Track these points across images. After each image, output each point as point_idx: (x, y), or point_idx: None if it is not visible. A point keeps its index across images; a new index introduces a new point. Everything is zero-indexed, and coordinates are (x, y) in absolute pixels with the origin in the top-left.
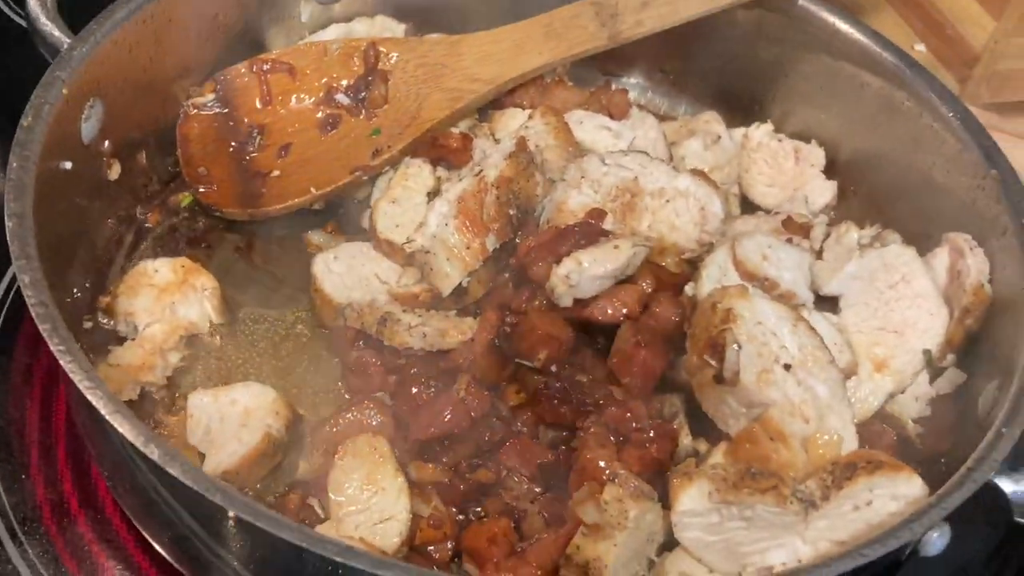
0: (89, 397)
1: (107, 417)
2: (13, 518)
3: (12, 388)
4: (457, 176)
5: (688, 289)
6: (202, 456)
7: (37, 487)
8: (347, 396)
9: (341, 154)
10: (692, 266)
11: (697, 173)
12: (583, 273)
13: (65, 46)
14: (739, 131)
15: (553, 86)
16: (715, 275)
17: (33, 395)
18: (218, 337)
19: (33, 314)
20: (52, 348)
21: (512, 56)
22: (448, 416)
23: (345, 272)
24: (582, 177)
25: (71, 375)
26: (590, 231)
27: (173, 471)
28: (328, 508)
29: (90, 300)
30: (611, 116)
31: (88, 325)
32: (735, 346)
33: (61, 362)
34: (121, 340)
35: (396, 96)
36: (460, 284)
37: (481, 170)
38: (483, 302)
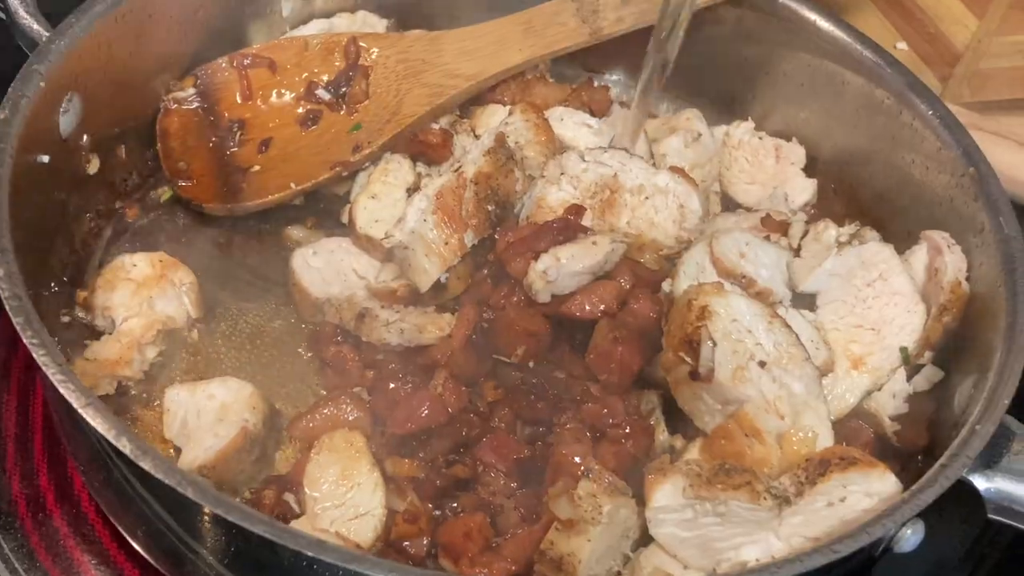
0: (61, 390)
1: (79, 410)
2: None
3: None
4: (437, 172)
5: (665, 286)
6: (179, 451)
7: (13, 481)
8: (324, 391)
9: (321, 149)
10: (670, 263)
11: (676, 170)
12: (561, 269)
13: (44, 39)
14: (720, 129)
15: (534, 82)
16: (692, 272)
17: (10, 389)
18: (196, 332)
19: (7, 307)
20: (25, 341)
21: (493, 52)
22: (425, 411)
23: (324, 267)
24: (561, 173)
25: (44, 368)
26: (568, 227)
27: (145, 465)
28: (304, 503)
29: (68, 294)
30: (592, 113)
31: (66, 319)
32: (710, 343)
33: (34, 355)
34: (99, 335)
35: (377, 92)
36: (439, 280)
37: (460, 166)
38: (462, 298)
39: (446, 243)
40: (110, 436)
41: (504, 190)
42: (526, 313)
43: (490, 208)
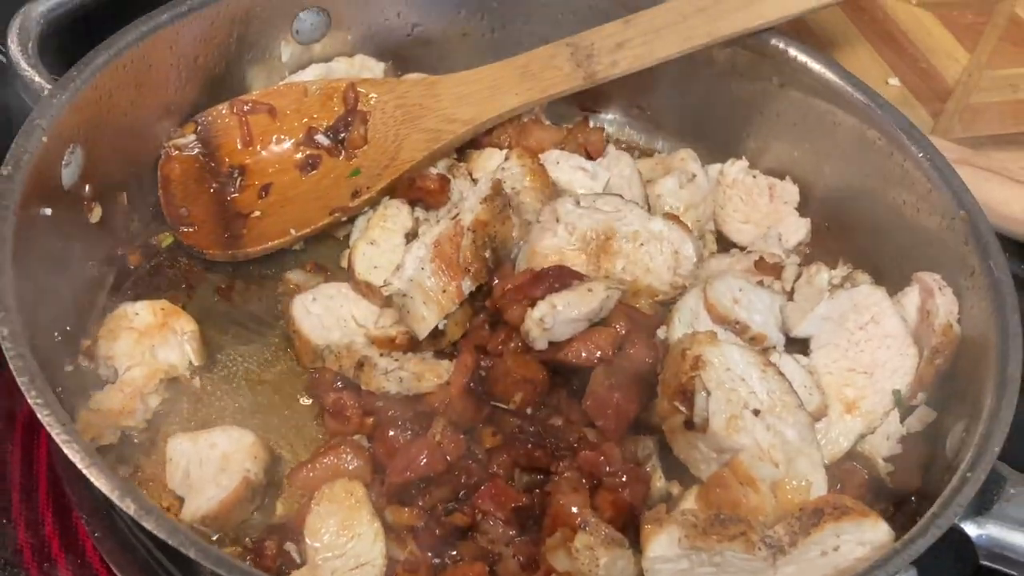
0: (66, 450)
1: (83, 470)
2: None
3: None
4: (434, 218)
5: (660, 333)
6: (181, 499)
7: (18, 529)
8: (323, 437)
9: (321, 194)
10: (666, 308)
11: (671, 217)
12: (557, 316)
13: (45, 92)
14: (715, 167)
15: (530, 125)
16: (687, 319)
17: (15, 438)
18: (197, 379)
19: (12, 367)
20: (30, 401)
21: (489, 97)
22: (424, 460)
23: (323, 313)
24: (556, 219)
25: (48, 428)
26: (564, 274)
27: (149, 525)
28: (305, 553)
29: (72, 342)
30: (588, 154)
31: (69, 368)
32: (704, 393)
33: (39, 415)
34: (102, 383)
35: (375, 137)
36: (437, 327)
37: (458, 213)
38: (460, 344)
39: (444, 291)
40: (114, 497)
41: (501, 237)
42: (523, 360)
43: (487, 255)
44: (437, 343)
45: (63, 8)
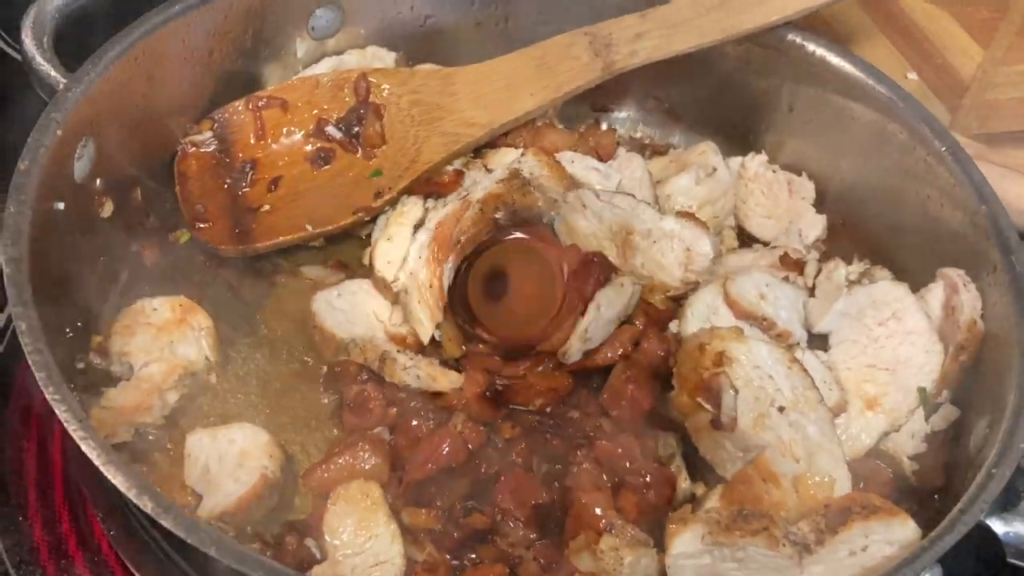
0: (83, 447)
1: (101, 468)
2: (8, 561)
3: (9, 428)
4: (443, 203)
5: (673, 327)
6: (199, 497)
7: (34, 528)
8: (338, 435)
9: (343, 194)
10: (677, 303)
11: (684, 215)
12: (599, 320)
13: (61, 86)
14: (736, 160)
15: (544, 129)
16: (703, 313)
17: (31, 435)
18: (213, 375)
19: (30, 361)
20: (47, 396)
21: (506, 99)
22: (446, 449)
23: (348, 309)
24: (583, 205)
25: (66, 424)
26: (606, 266)
27: (167, 523)
28: (324, 549)
29: (83, 339)
30: (599, 157)
31: (80, 365)
32: (732, 391)
33: (56, 411)
34: (114, 380)
35: (394, 137)
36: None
37: (467, 194)
38: (464, 363)
39: (430, 286)
40: (131, 495)
41: (521, 204)
42: (550, 375)
43: (497, 216)
44: (441, 353)
45: (77, 2)
